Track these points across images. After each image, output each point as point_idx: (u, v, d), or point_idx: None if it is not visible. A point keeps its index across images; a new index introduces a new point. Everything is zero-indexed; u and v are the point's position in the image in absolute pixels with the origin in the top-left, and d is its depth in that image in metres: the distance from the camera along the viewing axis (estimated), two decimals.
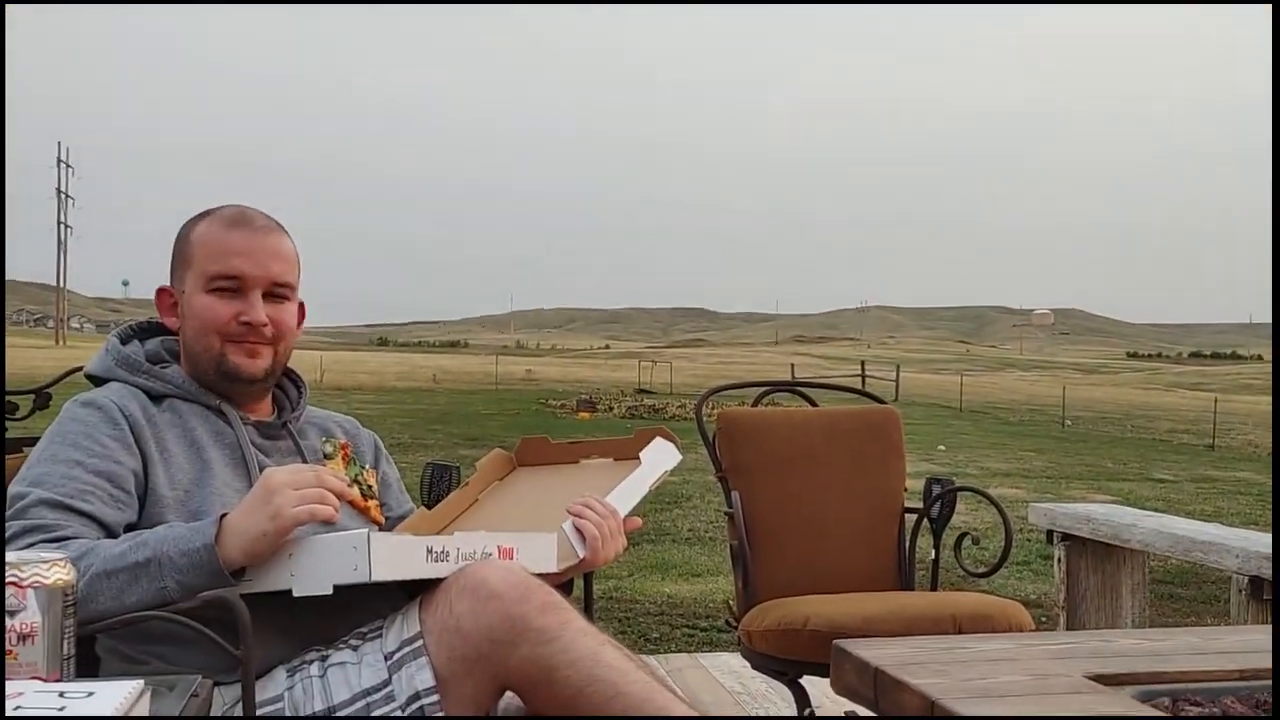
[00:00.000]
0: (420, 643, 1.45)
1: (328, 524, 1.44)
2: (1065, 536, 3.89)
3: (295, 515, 1.38)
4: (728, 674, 3.50)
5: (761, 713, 3.09)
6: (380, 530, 1.79)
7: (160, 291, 1.76)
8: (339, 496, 1.46)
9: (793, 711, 2.55)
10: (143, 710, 0.91)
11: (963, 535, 2.71)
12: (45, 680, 1.01)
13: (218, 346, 1.67)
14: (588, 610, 1.89)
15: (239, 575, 1.41)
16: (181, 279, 1.71)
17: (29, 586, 1.03)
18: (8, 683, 0.95)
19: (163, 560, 1.38)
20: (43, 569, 1.04)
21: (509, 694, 1.50)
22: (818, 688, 2.44)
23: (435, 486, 2.05)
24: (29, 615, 1.02)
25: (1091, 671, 1.30)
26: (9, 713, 0.82)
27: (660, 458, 1.96)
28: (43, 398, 2.03)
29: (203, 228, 1.70)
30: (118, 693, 0.87)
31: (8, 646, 1.01)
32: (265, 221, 1.72)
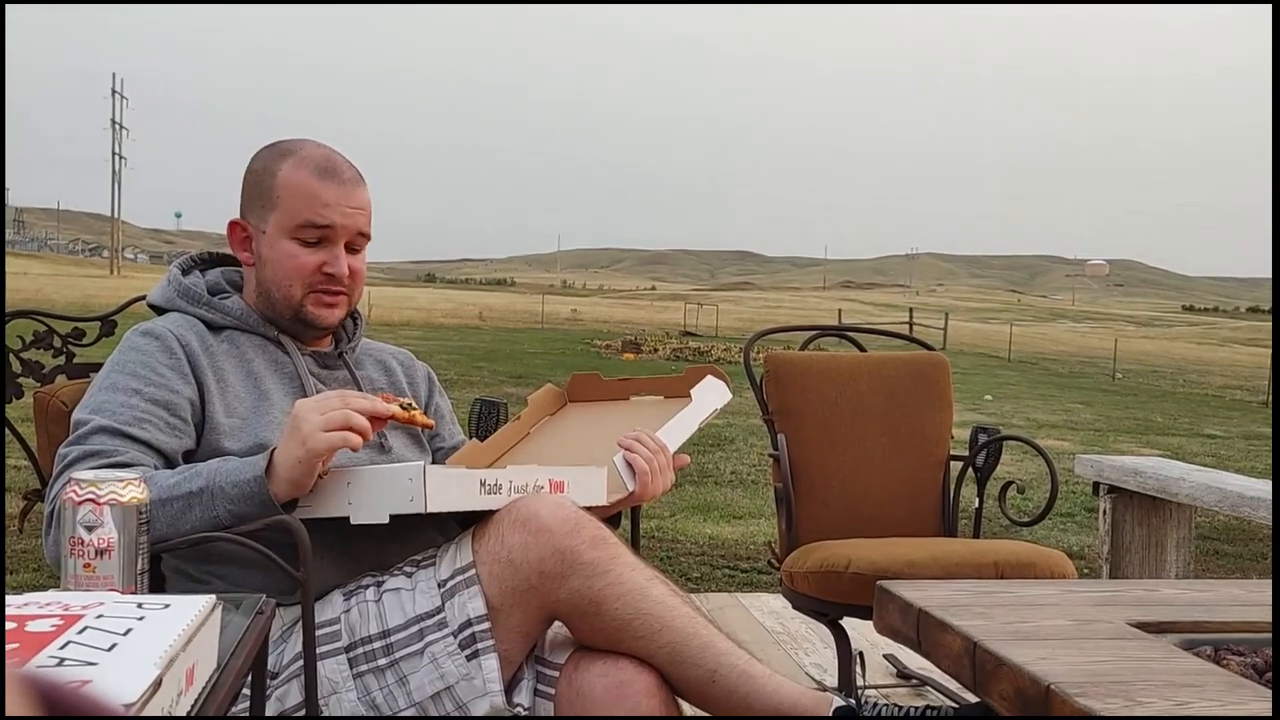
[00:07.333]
0: (473, 572, 1.49)
1: (356, 450, 1.44)
2: (1111, 489, 3.87)
3: (327, 440, 1.40)
4: (768, 614, 3.54)
5: (800, 653, 3.14)
6: (431, 435, 1.85)
7: (233, 225, 1.74)
8: (374, 416, 1.46)
9: (832, 652, 2.59)
10: (215, 623, 0.95)
11: (1007, 484, 2.71)
12: (121, 593, 1.06)
13: (299, 296, 1.70)
14: (634, 546, 1.92)
15: (291, 506, 1.45)
16: (262, 218, 1.70)
17: (105, 504, 1.07)
18: (88, 592, 1.01)
19: (215, 490, 1.42)
20: (118, 487, 1.09)
21: (557, 623, 1.54)
22: (858, 630, 2.47)
23: (483, 422, 2.08)
24: (106, 531, 1.07)
25: (1134, 619, 1.31)
26: (91, 622, 0.87)
27: (711, 396, 1.97)
28: (107, 325, 2.08)
29: (289, 170, 1.68)
30: (192, 606, 0.91)
31: (86, 560, 1.06)
32: (351, 173, 1.71)
